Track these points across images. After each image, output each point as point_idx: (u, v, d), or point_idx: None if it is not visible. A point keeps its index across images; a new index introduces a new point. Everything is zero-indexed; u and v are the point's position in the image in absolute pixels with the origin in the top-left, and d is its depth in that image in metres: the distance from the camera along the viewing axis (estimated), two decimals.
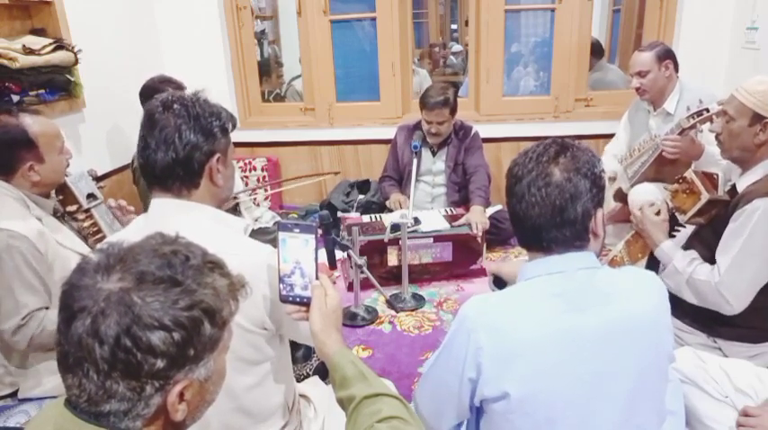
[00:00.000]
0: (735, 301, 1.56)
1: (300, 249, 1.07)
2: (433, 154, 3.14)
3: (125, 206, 1.88)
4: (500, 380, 1.00)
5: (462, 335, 1.03)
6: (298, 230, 1.06)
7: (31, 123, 1.59)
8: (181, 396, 0.73)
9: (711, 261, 1.63)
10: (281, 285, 1.08)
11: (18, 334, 1.53)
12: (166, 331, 0.69)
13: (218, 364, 0.78)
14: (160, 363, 0.69)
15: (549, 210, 1.03)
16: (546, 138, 1.12)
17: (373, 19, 3.56)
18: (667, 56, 2.51)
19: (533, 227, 1.05)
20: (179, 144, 1.10)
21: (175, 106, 1.12)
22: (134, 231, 1.20)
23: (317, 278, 1.07)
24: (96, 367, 0.68)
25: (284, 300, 1.09)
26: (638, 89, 2.57)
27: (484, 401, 1.04)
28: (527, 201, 1.04)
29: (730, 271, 1.55)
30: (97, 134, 2.91)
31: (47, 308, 1.57)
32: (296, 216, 3.65)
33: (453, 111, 2.96)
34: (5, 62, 2.19)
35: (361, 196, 3.44)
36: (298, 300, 1.08)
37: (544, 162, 1.04)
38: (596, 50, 3.70)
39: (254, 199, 3.53)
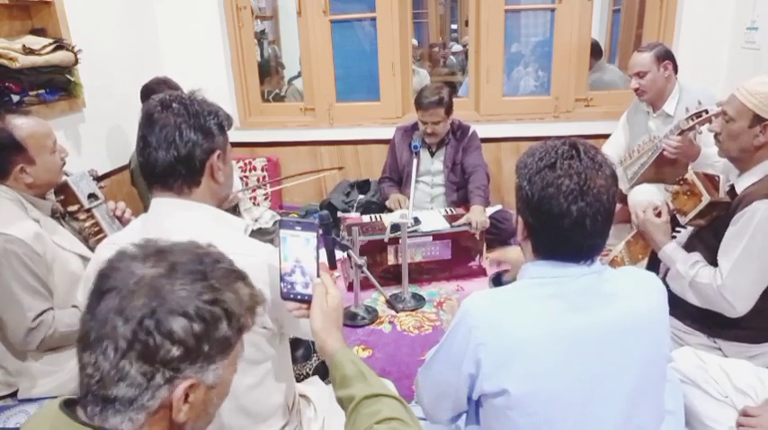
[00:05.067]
0: (738, 304, 1.55)
1: (301, 247, 1.07)
2: (432, 154, 3.14)
3: (123, 215, 1.85)
4: (499, 377, 1.00)
5: (463, 331, 1.04)
6: (299, 228, 1.06)
7: (18, 125, 1.57)
8: (186, 396, 0.74)
9: (712, 262, 1.63)
10: (282, 283, 1.08)
11: (29, 336, 1.54)
12: (188, 319, 0.71)
13: (226, 377, 0.80)
14: (175, 351, 0.71)
15: (602, 217, 1.00)
16: (545, 138, 1.11)
17: (373, 19, 3.56)
18: (666, 56, 2.51)
19: (581, 235, 1.00)
20: (180, 142, 1.10)
21: (174, 105, 1.12)
22: (134, 230, 1.20)
23: (318, 276, 1.07)
24: (115, 345, 0.70)
25: (285, 297, 1.09)
26: (636, 90, 2.57)
27: (483, 396, 1.04)
28: (579, 208, 0.98)
29: (732, 274, 1.54)
30: (97, 134, 2.91)
31: (51, 308, 1.58)
32: (296, 216, 3.65)
33: (449, 110, 2.95)
34: (5, 62, 2.19)
35: (361, 196, 3.44)
36: (299, 297, 1.08)
37: (589, 169, 1.00)
38: (595, 51, 3.70)
39: (254, 198, 3.53)
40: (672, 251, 1.73)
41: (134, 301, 0.71)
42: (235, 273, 0.81)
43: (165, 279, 0.73)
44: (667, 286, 1.64)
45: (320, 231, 1.10)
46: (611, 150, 2.82)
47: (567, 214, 0.99)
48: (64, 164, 1.72)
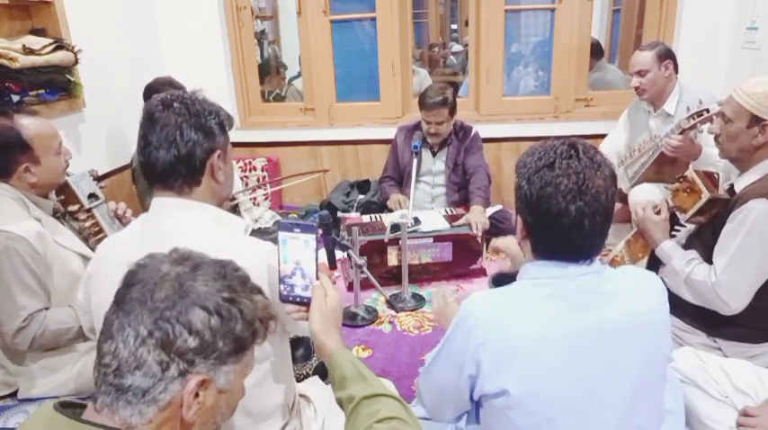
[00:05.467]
0: (732, 302, 1.56)
1: (301, 250, 1.06)
2: (433, 154, 3.14)
3: (124, 214, 1.86)
4: (499, 377, 1.00)
5: (463, 331, 1.04)
6: (298, 230, 1.06)
7: (26, 125, 1.58)
8: (196, 394, 0.76)
9: (710, 261, 1.63)
10: (282, 286, 1.08)
11: (19, 336, 1.53)
12: (207, 312, 0.76)
13: (235, 385, 0.82)
14: (192, 342, 0.74)
15: (601, 217, 1.00)
16: (545, 138, 1.11)
17: (373, 19, 3.56)
18: (667, 56, 2.52)
19: (580, 235, 1.00)
20: (180, 141, 1.10)
21: (175, 104, 1.13)
22: (135, 230, 1.21)
23: (317, 278, 1.07)
24: (136, 332, 0.73)
25: (284, 299, 1.09)
26: (637, 88, 2.57)
27: (483, 397, 1.04)
28: (577, 207, 0.98)
29: (727, 271, 1.55)
30: (97, 134, 2.91)
31: (46, 308, 1.57)
32: (296, 216, 3.65)
33: (452, 111, 2.96)
34: (5, 62, 2.19)
35: (361, 196, 3.44)
36: (298, 299, 1.08)
37: (588, 169, 1.00)
38: (595, 51, 3.70)
39: (254, 199, 3.53)
40: (669, 248, 1.73)
41: (158, 293, 0.75)
42: (252, 284, 0.85)
43: (189, 275, 0.78)
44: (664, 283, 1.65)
45: (320, 232, 1.10)
46: (609, 149, 2.81)
47: (565, 213, 0.99)
48: (67, 165, 1.73)
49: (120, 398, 0.73)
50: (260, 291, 0.86)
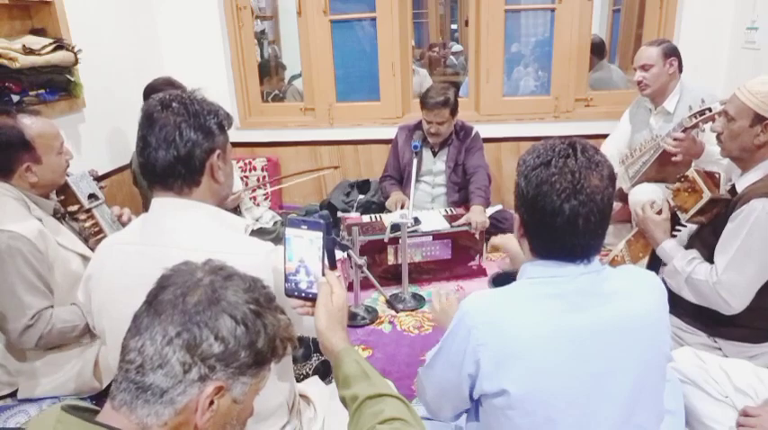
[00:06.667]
0: (733, 301, 1.56)
1: (306, 247, 1.07)
2: (434, 154, 3.14)
3: (129, 220, 1.86)
4: (499, 377, 1.00)
5: (462, 332, 1.04)
6: (305, 227, 1.06)
7: (28, 124, 1.59)
8: (211, 402, 0.76)
9: (711, 260, 1.63)
10: (287, 283, 1.09)
11: (26, 334, 1.54)
12: (234, 321, 0.78)
13: (249, 399, 0.83)
14: (216, 348, 0.76)
15: (596, 218, 1.00)
16: (545, 138, 1.11)
17: (373, 19, 3.56)
18: (673, 53, 2.53)
19: (573, 234, 1.00)
20: (180, 142, 1.10)
21: (174, 105, 1.12)
22: (134, 230, 1.20)
23: (323, 275, 1.08)
24: (165, 332, 0.75)
25: (289, 294, 1.10)
26: (639, 83, 2.57)
27: (483, 396, 1.04)
28: (571, 207, 0.98)
29: (728, 271, 1.55)
30: (97, 134, 2.91)
31: (51, 306, 1.58)
32: (296, 215, 3.65)
33: (454, 111, 2.96)
34: (5, 62, 2.19)
35: (361, 196, 3.44)
36: (303, 295, 1.09)
37: (584, 168, 0.99)
38: (599, 50, 3.69)
39: (254, 198, 3.53)
40: (670, 248, 1.73)
41: (190, 297, 0.77)
42: (277, 304, 0.87)
43: (221, 284, 0.81)
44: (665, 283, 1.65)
45: (326, 229, 1.10)
46: (611, 149, 2.81)
47: (559, 212, 0.99)
48: (68, 165, 1.73)
49: (139, 397, 0.75)
50: (283, 312, 0.87)
